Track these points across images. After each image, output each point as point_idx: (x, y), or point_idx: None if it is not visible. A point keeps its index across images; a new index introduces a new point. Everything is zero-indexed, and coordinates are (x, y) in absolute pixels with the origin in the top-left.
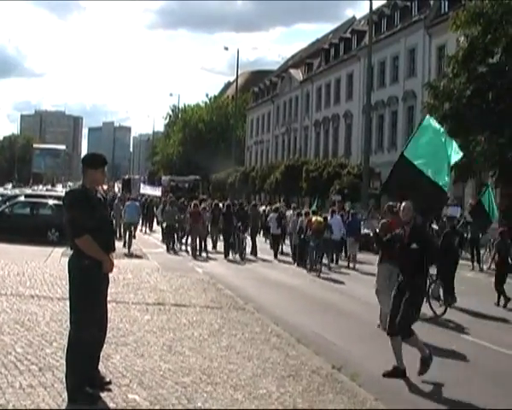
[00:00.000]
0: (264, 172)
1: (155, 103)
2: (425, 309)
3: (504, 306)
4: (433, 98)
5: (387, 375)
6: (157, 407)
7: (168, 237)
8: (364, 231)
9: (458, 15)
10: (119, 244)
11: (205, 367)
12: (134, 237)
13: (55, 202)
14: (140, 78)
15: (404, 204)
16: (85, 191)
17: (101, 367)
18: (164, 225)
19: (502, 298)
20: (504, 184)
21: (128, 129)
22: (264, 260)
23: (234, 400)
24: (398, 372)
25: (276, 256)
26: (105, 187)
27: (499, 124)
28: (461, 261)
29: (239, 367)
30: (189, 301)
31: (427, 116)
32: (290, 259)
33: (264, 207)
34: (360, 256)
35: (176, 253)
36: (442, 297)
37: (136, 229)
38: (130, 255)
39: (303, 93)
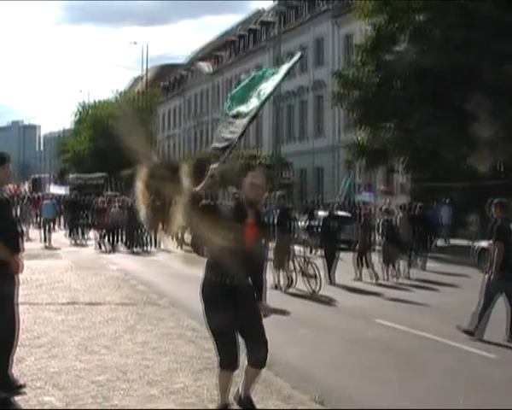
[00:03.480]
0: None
1: (65, 100)
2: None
3: (359, 279)
4: (342, 87)
5: None
6: (72, 408)
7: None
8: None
9: (365, 4)
10: (29, 245)
11: (120, 364)
12: (53, 230)
13: None
14: (48, 75)
15: None
16: None
17: (14, 371)
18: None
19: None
20: (413, 169)
21: (37, 127)
22: (170, 252)
23: (150, 395)
24: None
25: (182, 247)
26: (15, 186)
27: (408, 110)
28: None
29: (155, 363)
30: (102, 298)
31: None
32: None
33: None
34: None
35: (79, 244)
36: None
37: (54, 224)
38: (49, 248)
39: (212, 86)
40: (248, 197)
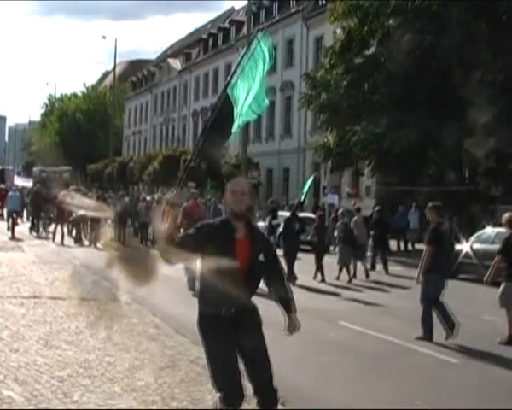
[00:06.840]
0: (143, 162)
1: (32, 92)
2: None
3: (322, 280)
4: (311, 89)
5: None
6: (33, 403)
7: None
8: None
9: (336, 7)
10: None
11: (82, 360)
12: (17, 223)
13: None
14: (16, 66)
15: None
16: None
17: None
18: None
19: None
20: (380, 173)
21: (3, 118)
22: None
23: (111, 392)
24: None
25: (146, 244)
26: None
27: (375, 114)
28: None
29: (116, 359)
30: (65, 293)
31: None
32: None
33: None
34: None
35: (42, 237)
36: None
37: (18, 216)
38: (12, 240)
39: (181, 83)
40: (232, 209)
